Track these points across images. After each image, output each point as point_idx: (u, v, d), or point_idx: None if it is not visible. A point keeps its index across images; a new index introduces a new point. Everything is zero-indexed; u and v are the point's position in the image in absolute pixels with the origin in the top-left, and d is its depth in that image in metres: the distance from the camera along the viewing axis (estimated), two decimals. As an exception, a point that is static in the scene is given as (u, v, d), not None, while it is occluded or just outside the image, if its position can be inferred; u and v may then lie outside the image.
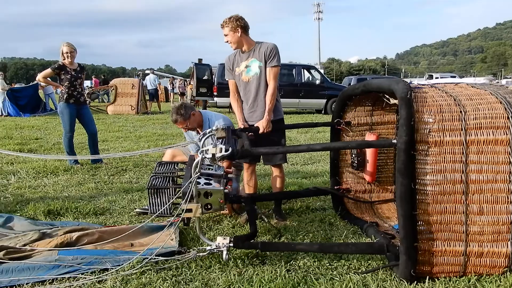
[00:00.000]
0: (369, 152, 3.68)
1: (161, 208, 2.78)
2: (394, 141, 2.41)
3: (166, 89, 27.02)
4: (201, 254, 2.67)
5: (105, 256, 2.72)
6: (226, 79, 3.73)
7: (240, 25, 3.40)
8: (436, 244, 2.37)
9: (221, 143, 3.54)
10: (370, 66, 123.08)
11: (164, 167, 3.17)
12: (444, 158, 2.33)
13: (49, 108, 16.32)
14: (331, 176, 3.91)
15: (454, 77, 37.81)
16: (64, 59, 5.67)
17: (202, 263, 2.65)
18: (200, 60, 21.90)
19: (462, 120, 2.34)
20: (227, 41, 3.48)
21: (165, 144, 7.83)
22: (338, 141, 3.82)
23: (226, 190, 2.79)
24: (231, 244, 2.60)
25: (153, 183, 2.80)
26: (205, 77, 15.86)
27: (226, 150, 2.53)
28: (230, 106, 15.52)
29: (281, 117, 3.67)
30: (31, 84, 17.05)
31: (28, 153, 5.74)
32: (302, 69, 16.27)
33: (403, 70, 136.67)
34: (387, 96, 3.25)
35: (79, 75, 5.81)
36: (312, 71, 16.81)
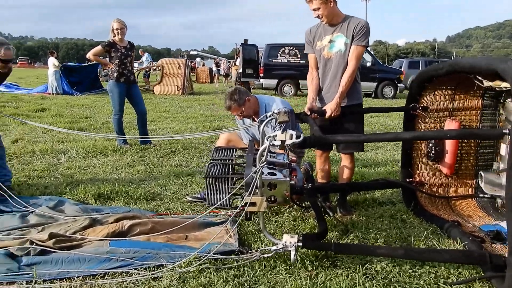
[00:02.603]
0: (449, 142, 3.23)
1: (220, 200, 2.50)
2: (506, 130, 1.98)
3: (210, 70, 26.93)
4: (265, 255, 2.37)
5: (159, 250, 2.48)
6: (305, 53, 3.38)
7: None
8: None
9: (281, 128, 3.23)
10: (419, 49, 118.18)
11: (221, 153, 2.89)
12: None
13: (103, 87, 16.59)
14: (402, 167, 3.49)
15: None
16: (114, 36, 5.49)
17: (266, 262, 2.35)
18: (246, 40, 21.55)
19: None
20: (317, 16, 3.09)
21: (213, 126, 7.60)
22: (411, 128, 3.40)
23: (292, 182, 2.47)
24: (300, 244, 2.28)
25: (211, 171, 2.52)
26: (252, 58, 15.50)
27: (298, 137, 2.19)
28: (275, 88, 15.17)
29: (359, 101, 3.27)
30: (88, 63, 17.29)
31: (78, 131, 5.66)
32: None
33: (454, 54, 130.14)
34: (480, 78, 2.78)
35: (129, 52, 5.62)
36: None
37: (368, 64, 15.22)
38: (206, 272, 2.25)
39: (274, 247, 2.33)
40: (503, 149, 3.20)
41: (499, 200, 3.26)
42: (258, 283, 2.18)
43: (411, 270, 2.30)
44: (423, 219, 3.16)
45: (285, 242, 2.30)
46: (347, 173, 3.30)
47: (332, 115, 3.10)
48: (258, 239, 2.69)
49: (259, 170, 2.24)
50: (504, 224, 2.87)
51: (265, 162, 2.22)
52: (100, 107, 10.57)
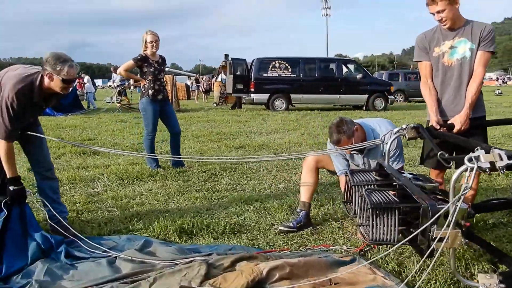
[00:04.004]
0: None
1: (387, 233, 2.08)
2: None
3: (187, 86, 26.34)
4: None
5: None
6: (416, 60, 3.04)
7: None
8: None
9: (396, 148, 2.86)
10: (378, 62, 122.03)
11: (359, 177, 2.48)
12: None
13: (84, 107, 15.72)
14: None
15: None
16: (145, 50, 4.99)
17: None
18: (226, 56, 21.28)
19: None
20: (440, 19, 2.76)
21: (236, 143, 7.12)
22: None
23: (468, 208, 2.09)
24: (503, 286, 1.90)
25: (374, 200, 2.10)
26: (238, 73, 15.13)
27: (509, 157, 1.82)
28: (267, 103, 14.85)
29: (484, 113, 2.94)
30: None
31: (123, 151, 5.08)
32: (341, 64, 15.54)
33: (411, 66, 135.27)
34: None
35: (162, 67, 5.13)
36: (352, 65, 16.08)
37: (359, 76, 15.24)
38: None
39: (470, 291, 1.94)
40: None
41: None
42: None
43: None
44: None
45: (484, 284, 1.92)
46: (470, 193, 2.95)
47: (462, 128, 2.77)
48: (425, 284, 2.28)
49: (458, 199, 1.85)
50: None
51: (468, 189, 1.83)
52: (97, 128, 9.83)
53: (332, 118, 12.19)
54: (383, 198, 2.13)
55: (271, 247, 2.89)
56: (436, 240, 1.90)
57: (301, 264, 2.37)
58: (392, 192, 2.29)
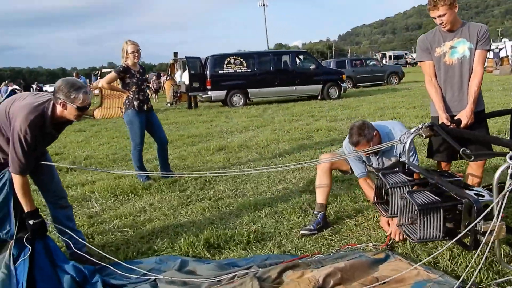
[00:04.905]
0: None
1: (434, 231, 2.23)
2: None
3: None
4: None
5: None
6: (419, 60, 3.24)
7: None
8: None
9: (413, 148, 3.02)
10: (318, 49, 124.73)
11: (393, 178, 2.61)
12: None
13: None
14: None
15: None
16: (126, 60, 4.85)
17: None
18: (176, 54, 20.91)
19: None
20: (442, 22, 2.95)
21: (208, 146, 7.06)
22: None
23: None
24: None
25: (420, 201, 2.24)
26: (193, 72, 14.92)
27: (546, 153, 2.02)
28: (224, 99, 14.82)
29: (483, 107, 3.19)
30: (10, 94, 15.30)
31: (121, 171, 4.90)
32: (295, 55, 15.81)
33: (348, 51, 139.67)
34: None
35: (143, 77, 5.02)
36: (305, 56, 16.40)
37: (312, 67, 15.59)
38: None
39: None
40: None
41: None
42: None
43: None
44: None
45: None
46: (476, 182, 3.20)
47: (468, 122, 2.99)
48: (460, 272, 2.47)
49: (506, 193, 2.03)
50: None
51: None
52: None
53: (291, 110, 12.44)
54: (426, 199, 2.27)
55: (301, 251, 2.98)
56: (487, 233, 2.08)
57: (348, 268, 2.48)
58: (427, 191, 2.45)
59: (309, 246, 3.05)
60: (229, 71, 14.86)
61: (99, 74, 24.53)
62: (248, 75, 14.97)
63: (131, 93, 4.84)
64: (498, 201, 2.06)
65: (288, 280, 2.46)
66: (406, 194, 2.33)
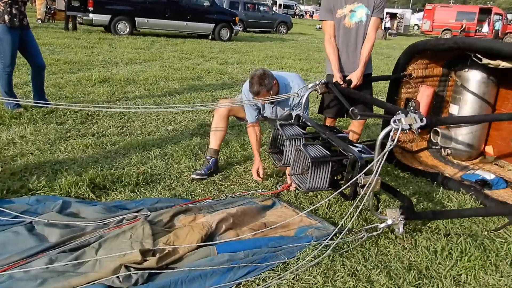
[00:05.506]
0: (424, 102, 3.76)
1: (321, 183, 2.42)
2: None
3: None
4: (374, 233, 2.47)
5: (269, 246, 2.28)
6: (321, 19, 3.34)
7: None
8: None
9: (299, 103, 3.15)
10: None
11: (289, 131, 2.71)
12: None
13: None
14: (383, 125, 3.90)
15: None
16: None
17: (377, 240, 2.47)
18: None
19: None
20: None
21: (89, 75, 6.46)
22: (396, 93, 3.79)
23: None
24: (403, 216, 2.46)
25: (313, 154, 2.38)
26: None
27: (421, 120, 2.28)
28: (108, 26, 13.56)
29: (371, 71, 3.42)
30: None
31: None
32: (189, -11, 14.97)
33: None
34: (479, 56, 3.31)
35: (19, -13, 4.27)
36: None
37: (206, 4, 15.01)
38: (331, 259, 2.26)
39: (383, 224, 2.45)
40: (455, 109, 3.94)
41: (448, 150, 4.03)
42: (393, 261, 2.30)
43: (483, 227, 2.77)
44: (411, 173, 3.69)
45: (392, 217, 2.44)
46: (356, 138, 3.51)
47: (357, 83, 3.22)
48: (336, 219, 2.74)
49: (386, 153, 2.26)
50: (481, 172, 3.64)
51: (392, 146, 2.25)
52: None
53: (181, 46, 11.99)
54: (319, 152, 2.42)
55: (192, 195, 2.99)
56: (366, 186, 2.32)
57: (239, 214, 2.57)
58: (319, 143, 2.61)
59: (200, 190, 3.07)
60: (115, -6, 13.50)
61: None
62: (136, 2, 13.79)
63: (2, 4, 4.09)
64: (379, 159, 2.28)
65: (180, 224, 2.46)
66: (301, 146, 2.45)
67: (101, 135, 4.02)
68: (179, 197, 2.93)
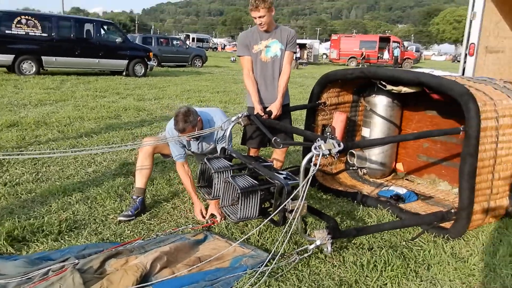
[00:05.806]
0: (339, 127, 4.06)
1: (252, 211, 2.50)
2: (461, 127, 2.89)
3: None
4: (305, 255, 2.59)
5: (205, 281, 2.29)
6: (239, 55, 3.52)
7: (272, 3, 3.18)
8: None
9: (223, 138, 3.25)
10: (120, 20, 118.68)
11: (216, 164, 2.76)
12: (488, 140, 2.97)
13: None
14: (304, 152, 4.12)
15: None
16: None
17: (308, 261, 2.58)
18: None
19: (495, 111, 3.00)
20: (261, 23, 3.22)
21: (4, 118, 6.05)
22: (314, 121, 4.06)
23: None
24: (330, 236, 2.61)
25: (241, 185, 2.46)
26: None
27: (339, 144, 2.48)
28: (12, 65, 12.75)
29: (288, 101, 3.64)
30: None
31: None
32: (100, 25, 14.67)
33: (152, 27, 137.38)
34: (383, 83, 3.70)
35: None
36: (111, 27, 15.40)
37: (118, 40, 14.79)
38: (265, 285, 2.32)
39: (312, 245, 2.57)
40: (366, 132, 4.31)
41: (364, 170, 4.37)
42: (325, 279, 2.42)
43: (401, 238, 3.01)
44: (333, 194, 3.92)
45: (321, 237, 2.58)
46: (279, 166, 3.67)
47: (277, 114, 3.41)
48: (268, 245, 2.81)
49: (310, 177, 2.41)
50: (394, 187, 3.97)
51: (315, 171, 2.40)
52: None
53: (94, 84, 11.66)
54: (247, 182, 2.51)
55: (121, 238, 2.89)
56: (294, 211, 2.43)
57: (173, 251, 2.54)
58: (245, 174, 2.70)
59: (128, 232, 2.99)
60: (19, 33, 12.77)
61: None
62: (43, 40, 13.16)
63: None
64: (304, 184, 2.42)
65: (112, 268, 2.38)
66: (230, 178, 2.52)
67: (14, 183, 3.75)
68: (108, 241, 2.83)
